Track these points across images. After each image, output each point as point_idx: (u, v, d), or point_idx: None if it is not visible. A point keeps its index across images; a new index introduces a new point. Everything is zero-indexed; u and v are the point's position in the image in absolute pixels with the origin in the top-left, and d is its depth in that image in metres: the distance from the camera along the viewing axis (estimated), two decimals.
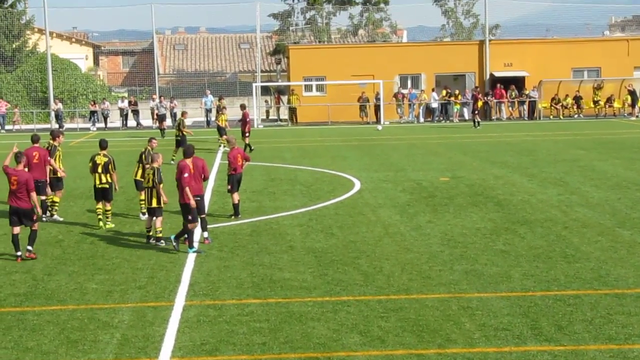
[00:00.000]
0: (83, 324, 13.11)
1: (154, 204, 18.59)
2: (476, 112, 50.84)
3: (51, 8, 63.54)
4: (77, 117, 59.93)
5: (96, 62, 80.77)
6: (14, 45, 65.20)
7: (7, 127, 55.75)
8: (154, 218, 18.68)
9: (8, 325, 13.07)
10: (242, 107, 38.02)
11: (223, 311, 13.61)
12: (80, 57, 73.42)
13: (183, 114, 36.21)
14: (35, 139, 22.09)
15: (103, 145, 21.20)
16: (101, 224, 20.70)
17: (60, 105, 56.57)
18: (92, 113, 56.14)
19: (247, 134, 36.46)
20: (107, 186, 20.94)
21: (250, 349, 11.90)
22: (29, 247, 17.48)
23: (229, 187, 21.58)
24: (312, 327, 12.72)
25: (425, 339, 12.11)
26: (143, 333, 12.60)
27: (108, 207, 21.04)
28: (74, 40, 77.81)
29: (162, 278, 15.79)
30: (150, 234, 18.88)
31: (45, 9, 58.26)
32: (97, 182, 20.92)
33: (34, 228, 17.60)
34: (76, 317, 13.47)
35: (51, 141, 22.59)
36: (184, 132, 33.90)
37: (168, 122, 51.44)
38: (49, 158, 21.68)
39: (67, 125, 56.31)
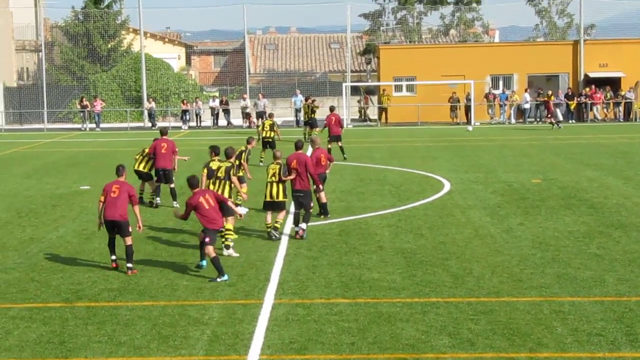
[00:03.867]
0: (174, 320, 13.28)
1: (281, 197, 18.97)
2: (549, 115, 49.80)
3: (146, 8, 64.76)
4: (169, 115, 60.87)
5: (188, 61, 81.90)
6: (109, 45, 66.58)
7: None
8: (273, 213, 19.15)
9: (102, 320, 13.32)
10: (331, 109, 36.99)
11: (312, 310, 13.63)
12: (173, 56, 74.57)
13: (271, 115, 36.14)
14: (164, 132, 24.43)
15: (216, 151, 19.35)
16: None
17: (153, 104, 57.55)
18: (184, 112, 56.93)
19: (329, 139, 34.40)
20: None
21: (338, 348, 11.88)
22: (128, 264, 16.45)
23: (318, 186, 21.23)
24: (400, 328, 12.65)
25: (516, 343, 11.93)
26: (233, 330, 12.70)
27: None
28: (167, 40, 79.05)
29: (252, 276, 15.89)
30: (270, 227, 19.12)
31: (140, 10, 59.34)
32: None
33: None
34: (167, 313, 13.65)
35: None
36: (276, 133, 33.27)
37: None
38: (176, 150, 24.07)
39: (159, 124, 57.24)
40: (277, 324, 12.97)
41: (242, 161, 21.94)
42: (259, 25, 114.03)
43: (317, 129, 41.77)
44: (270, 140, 32.93)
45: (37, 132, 54.36)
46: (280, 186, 19.00)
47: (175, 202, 23.73)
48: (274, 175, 19.04)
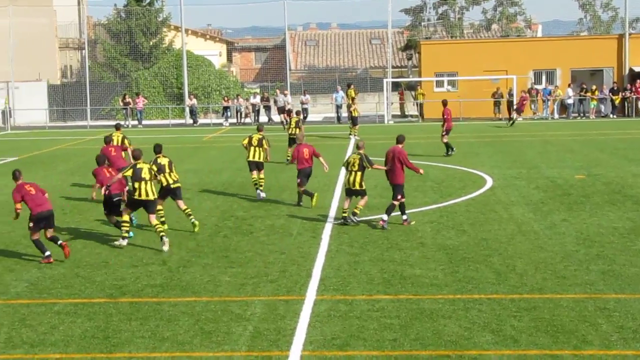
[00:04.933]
0: (217, 315, 13.34)
1: (363, 185, 20.03)
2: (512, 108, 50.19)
3: (187, 5, 65.38)
4: (210, 112, 61.14)
5: (229, 58, 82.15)
6: (151, 43, 67.03)
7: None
8: (356, 197, 20.24)
9: (145, 315, 13.41)
10: (444, 103, 35.12)
11: (353, 306, 13.62)
12: (214, 53, 74.85)
13: (298, 113, 35.77)
14: (260, 128, 25.62)
15: (260, 128, 25.52)
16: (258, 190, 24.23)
17: (194, 101, 57.84)
18: (225, 109, 57.13)
19: (444, 133, 34.21)
20: (260, 160, 24.48)
21: (380, 345, 11.85)
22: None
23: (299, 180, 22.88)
24: (443, 324, 12.59)
25: (560, 340, 11.82)
26: (275, 326, 12.72)
27: (262, 175, 24.58)
28: (208, 37, 79.38)
29: (294, 272, 15.91)
30: (346, 211, 20.05)
31: (182, 7, 59.65)
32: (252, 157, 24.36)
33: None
34: (210, 308, 13.71)
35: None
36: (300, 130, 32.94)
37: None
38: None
39: (200, 121, 57.52)
40: (319, 320, 12.97)
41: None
42: (299, 21, 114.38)
43: (356, 127, 41.89)
44: (296, 137, 32.54)
45: (80, 129, 54.87)
46: (359, 174, 19.87)
47: None
48: (354, 164, 19.91)
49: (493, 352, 11.47)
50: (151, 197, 18.34)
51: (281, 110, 51.25)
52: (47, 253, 16.97)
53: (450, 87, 57.32)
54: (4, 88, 59.80)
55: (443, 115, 34.42)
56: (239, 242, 18.69)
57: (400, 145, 20.04)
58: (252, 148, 24.57)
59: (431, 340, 11.94)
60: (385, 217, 19.64)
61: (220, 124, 56.01)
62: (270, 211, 22.33)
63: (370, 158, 20.23)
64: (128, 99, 57.76)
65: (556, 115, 54.65)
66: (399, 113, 58.76)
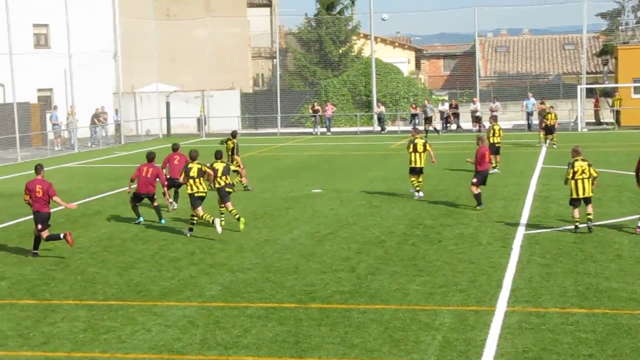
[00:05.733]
0: (405, 324, 13.25)
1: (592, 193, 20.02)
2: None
3: (377, 14, 65.29)
4: (398, 120, 61.19)
5: (418, 65, 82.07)
6: (340, 51, 67.84)
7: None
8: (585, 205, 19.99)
9: (335, 322, 13.48)
10: None
11: (546, 319, 13.22)
12: (403, 61, 74.96)
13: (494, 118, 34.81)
14: (175, 147, 25.54)
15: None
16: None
17: (382, 109, 58.08)
18: (413, 116, 57.01)
19: None
20: (422, 165, 25.77)
21: (575, 359, 11.46)
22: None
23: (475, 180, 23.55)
24: None
25: None
26: (464, 337, 12.51)
27: (420, 179, 25.92)
28: (396, 44, 79.59)
29: (483, 282, 15.62)
30: (583, 222, 19.94)
31: (371, 15, 60.04)
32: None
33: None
34: (398, 317, 13.63)
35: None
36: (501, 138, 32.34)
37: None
38: None
39: (388, 128, 57.67)
40: (510, 332, 12.66)
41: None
42: (489, 27, 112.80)
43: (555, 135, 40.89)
44: (499, 145, 31.91)
45: (270, 137, 56.14)
46: (589, 183, 19.77)
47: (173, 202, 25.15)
48: (583, 172, 19.73)
49: None
50: (196, 190, 20.66)
51: (476, 119, 51.09)
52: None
53: None
54: (199, 97, 62.05)
55: None
56: (427, 251, 18.54)
57: None
58: (415, 154, 25.64)
59: (630, 357, 11.42)
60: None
61: (408, 132, 55.89)
62: (459, 220, 22.06)
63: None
64: (317, 107, 58.66)
65: None
66: (593, 120, 56.91)
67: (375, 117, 58.54)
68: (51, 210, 19.10)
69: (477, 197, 23.42)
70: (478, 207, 23.24)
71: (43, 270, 17.62)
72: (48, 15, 54.80)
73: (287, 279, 16.37)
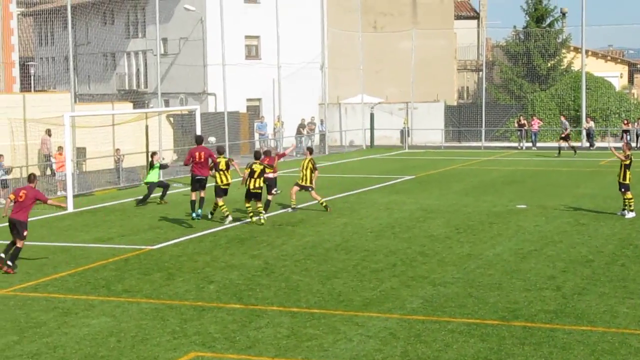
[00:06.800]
0: (614, 347, 12.72)
1: None
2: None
3: (589, 27, 63.40)
4: (608, 136, 59.13)
5: (631, 80, 79.05)
6: (548, 64, 66.31)
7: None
8: None
9: (539, 341, 13.11)
10: None
11: None
12: (615, 75, 72.39)
13: None
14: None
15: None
16: None
17: (591, 124, 56.30)
18: (624, 132, 54.94)
19: None
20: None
21: None
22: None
23: None
24: None
25: None
26: None
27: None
28: (609, 58, 76.99)
29: None
30: None
31: (583, 28, 58.35)
32: None
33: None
34: (606, 340, 13.11)
35: None
36: None
37: None
38: None
39: (597, 144, 55.83)
40: None
41: None
42: None
43: None
44: None
45: (474, 150, 55.56)
46: None
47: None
48: None
49: None
50: (225, 182, 24.77)
51: None
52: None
53: None
54: (403, 108, 62.26)
55: None
56: (638, 272, 17.76)
57: None
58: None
59: None
60: None
61: (619, 148, 53.86)
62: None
63: None
64: (523, 121, 57.58)
65: None
66: None
67: (584, 132, 56.82)
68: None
69: None
70: None
71: (249, 276, 18.13)
72: (259, 27, 56.64)
73: (489, 295, 16.09)
